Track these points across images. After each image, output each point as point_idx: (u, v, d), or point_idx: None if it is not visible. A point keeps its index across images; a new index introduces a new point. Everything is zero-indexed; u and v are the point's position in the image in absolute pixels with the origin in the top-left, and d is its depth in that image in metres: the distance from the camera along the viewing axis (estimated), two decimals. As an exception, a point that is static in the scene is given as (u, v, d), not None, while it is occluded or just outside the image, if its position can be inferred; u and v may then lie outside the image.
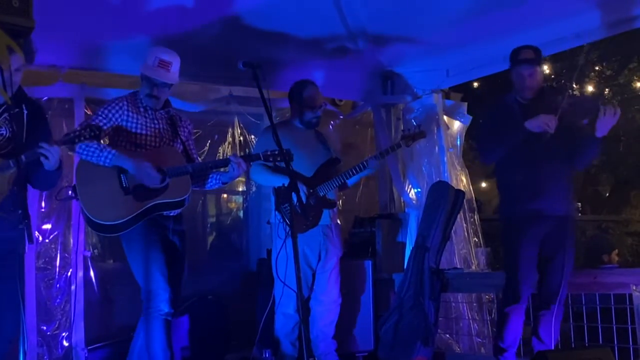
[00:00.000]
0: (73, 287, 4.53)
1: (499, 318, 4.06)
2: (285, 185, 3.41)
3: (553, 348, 3.85)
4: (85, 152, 3.45)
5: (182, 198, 3.61)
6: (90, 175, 3.48)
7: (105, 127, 3.58)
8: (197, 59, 4.14)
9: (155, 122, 3.74)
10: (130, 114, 3.66)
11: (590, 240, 7.46)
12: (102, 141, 3.59)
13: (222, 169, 3.81)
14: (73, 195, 3.53)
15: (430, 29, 4.61)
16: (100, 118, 3.59)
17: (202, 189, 3.96)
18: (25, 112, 3.04)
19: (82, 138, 3.07)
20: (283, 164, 3.71)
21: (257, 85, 3.30)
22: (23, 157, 2.87)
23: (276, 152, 3.68)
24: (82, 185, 3.48)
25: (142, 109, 3.72)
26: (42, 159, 2.93)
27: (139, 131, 3.66)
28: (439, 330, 4.85)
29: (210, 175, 3.84)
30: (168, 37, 4.23)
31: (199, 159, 3.98)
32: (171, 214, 3.69)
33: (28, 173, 3.05)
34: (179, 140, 3.81)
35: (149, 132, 3.68)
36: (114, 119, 3.62)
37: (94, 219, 3.44)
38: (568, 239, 3.87)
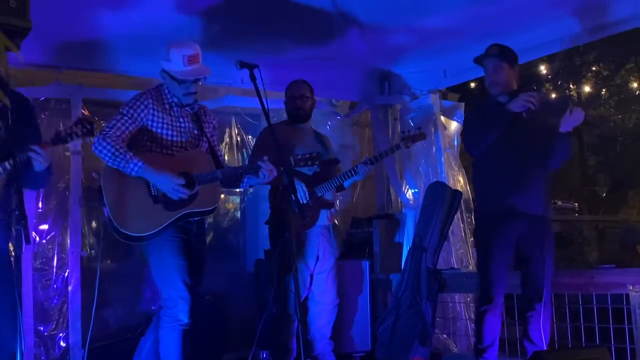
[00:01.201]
0: (70, 288, 4.53)
1: (475, 319, 4.05)
2: (284, 184, 3.41)
3: (545, 348, 3.84)
4: (111, 160, 3.32)
5: (213, 207, 3.53)
6: (118, 182, 3.34)
7: (131, 129, 3.42)
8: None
9: (181, 119, 3.58)
10: (156, 112, 3.49)
11: (624, 231, 7.47)
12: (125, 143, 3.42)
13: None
14: (98, 202, 3.37)
15: (427, 30, 4.61)
16: (127, 119, 3.43)
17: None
18: (10, 107, 2.89)
19: (74, 136, 2.92)
20: (317, 169, 3.69)
21: (254, 85, 3.29)
22: (11, 160, 2.74)
23: (307, 156, 3.65)
24: (109, 192, 3.33)
25: (167, 106, 3.55)
26: (32, 160, 2.81)
27: (164, 131, 3.50)
28: (436, 331, 4.85)
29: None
30: (165, 35, 4.22)
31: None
32: (196, 218, 3.57)
33: (18, 174, 2.89)
34: (205, 138, 3.65)
35: (174, 132, 3.53)
36: (139, 119, 3.46)
37: (122, 230, 3.31)
38: (546, 238, 3.86)
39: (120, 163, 3.31)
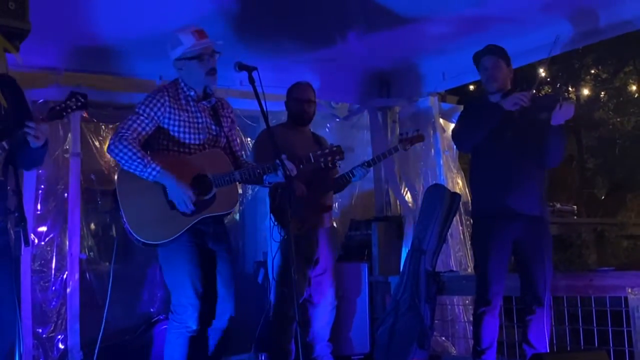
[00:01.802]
0: (68, 290, 4.53)
1: (474, 321, 4.05)
2: (282, 186, 3.39)
3: (545, 351, 3.84)
4: (127, 164, 3.24)
5: (230, 210, 3.46)
6: (134, 186, 3.27)
7: (147, 129, 3.34)
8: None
9: (198, 115, 3.47)
10: (173, 110, 3.40)
11: None
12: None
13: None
14: (114, 206, 3.29)
15: (426, 32, 4.62)
16: (143, 118, 3.34)
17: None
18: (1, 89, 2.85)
19: (69, 110, 2.89)
20: (339, 164, 3.61)
21: (253, 87, 3.28)
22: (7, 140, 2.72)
23: (326, 151, 3.58)
24: (125, 196, 3.27)
25: (183, 102, 3.45)
26: (28, 137, 2.76)
27: (181, 129, 3.41)
28: (434, 333, 4.85)
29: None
30: (164, 37, 4.22)
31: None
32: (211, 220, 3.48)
33: (13, 153, 2.85)
34: (223, 134, 3.55)
35: (192, 129, 3.43)
36: (156, 118, 3.36)
37: (139, 238, 3.26)
38: (544, 240, 3.87)
39: (138, 167, 3.24)
